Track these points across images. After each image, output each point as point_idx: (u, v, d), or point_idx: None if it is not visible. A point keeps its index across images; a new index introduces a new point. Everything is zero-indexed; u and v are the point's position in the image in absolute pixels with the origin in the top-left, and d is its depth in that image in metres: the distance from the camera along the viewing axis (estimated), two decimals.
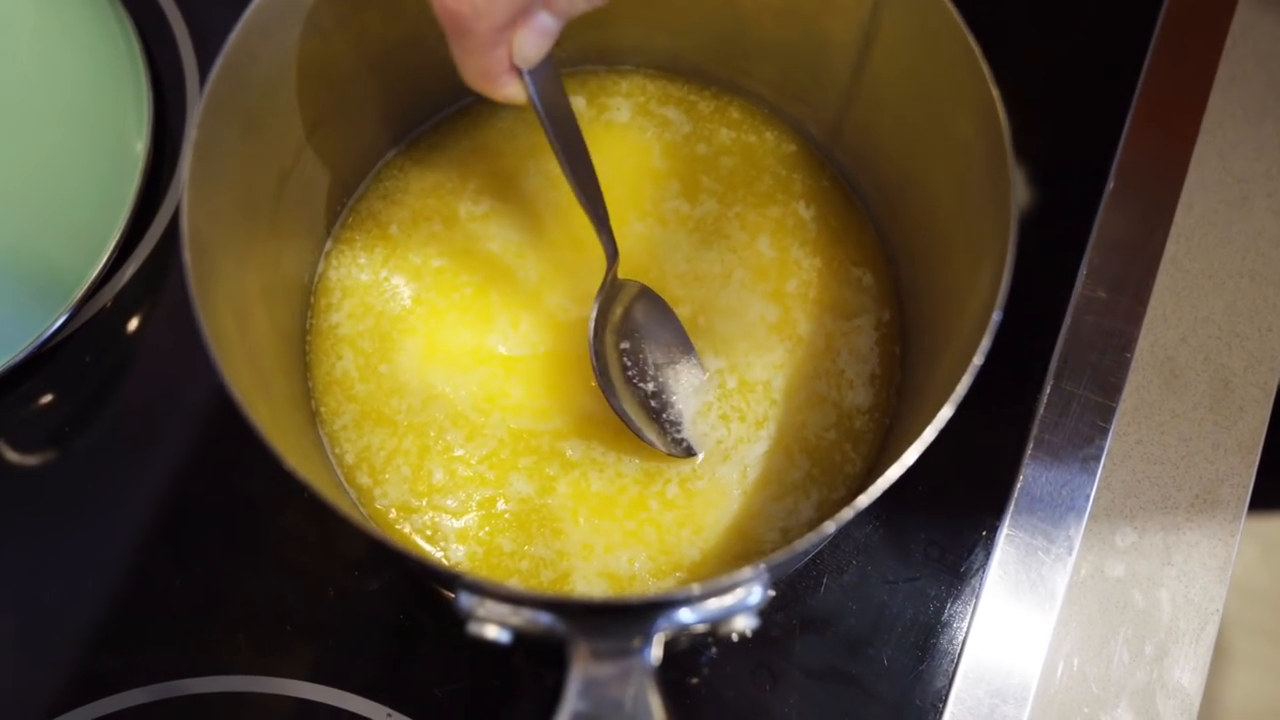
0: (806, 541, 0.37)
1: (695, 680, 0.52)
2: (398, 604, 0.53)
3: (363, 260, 0.54)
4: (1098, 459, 0.55)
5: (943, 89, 0.44)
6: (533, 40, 0.42)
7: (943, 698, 0.52)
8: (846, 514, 0.37)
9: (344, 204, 0.54)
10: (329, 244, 0.54)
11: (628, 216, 0.55)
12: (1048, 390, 0.55)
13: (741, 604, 0.39)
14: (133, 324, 0.57)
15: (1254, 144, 0.61)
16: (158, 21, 0.61)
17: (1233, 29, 0.62)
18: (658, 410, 0.51)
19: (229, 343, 0.40)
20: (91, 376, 0.56)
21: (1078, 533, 0.54)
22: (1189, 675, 0.53)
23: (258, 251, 0.46)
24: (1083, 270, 0.57)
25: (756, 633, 0.53)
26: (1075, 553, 0.53)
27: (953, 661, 0.52)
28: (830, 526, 0.37)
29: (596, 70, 0.57)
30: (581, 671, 0.36)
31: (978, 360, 0.38)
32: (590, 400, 0.52)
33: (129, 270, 0.57)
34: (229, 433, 0.55)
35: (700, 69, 0.56)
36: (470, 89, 0.44)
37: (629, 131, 0.56)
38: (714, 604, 0.38)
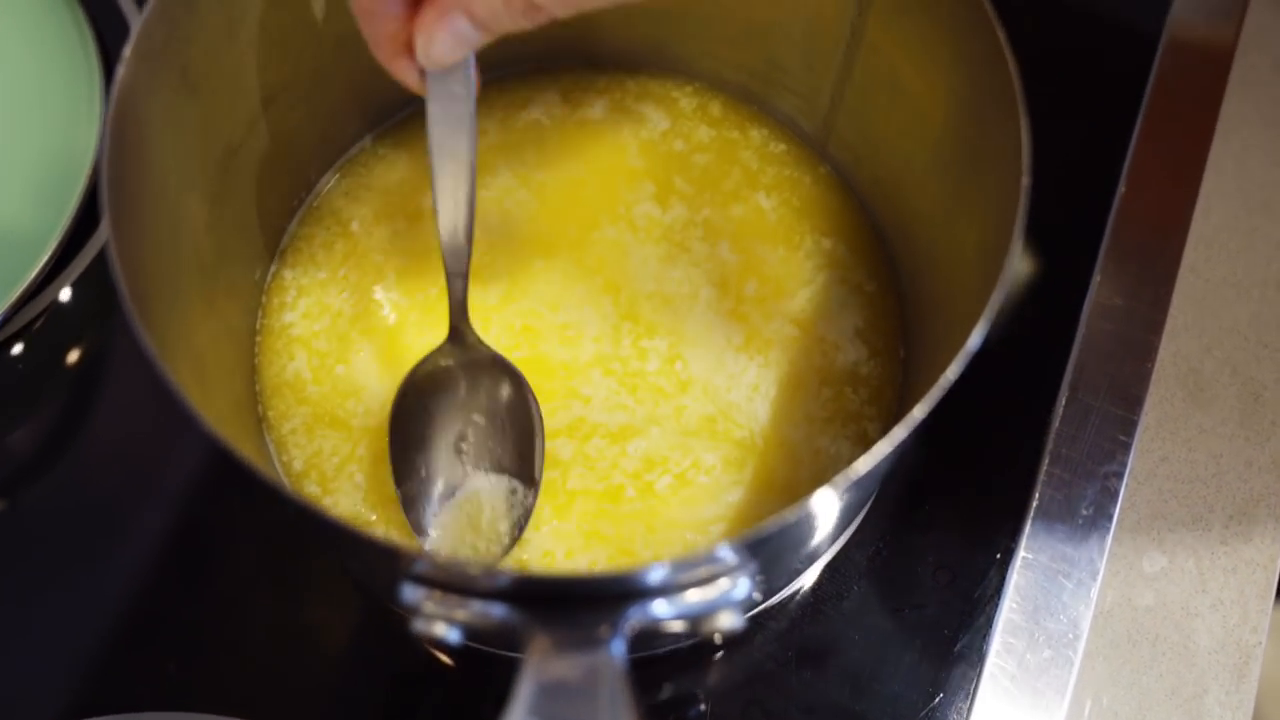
0: (795, 511, 0.32)
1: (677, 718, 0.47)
2: (345, 633, 0.48)
3: (321, 257, 0.50)
4: (1120, 476, 0.50)
5: (943, 45, 0.40)
6: (443, 41, 0.37)
7: None
8: (858, 466, 0.32)
9: (302, 199, 0.51)
10: (285, 240, 0.50)
11: (599, 220, 0.51)
12: (1062, 402, 0.51)
13: (724, 598, 0.34)
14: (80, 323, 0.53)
15: (1273, 150, 0.57)
16: (112, 18, 0.58)
17: (1244, 34, 0.59)
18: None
19: (164, 331, 0.36)
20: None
21: (1101, 556, 0.49)
22: (1232, 717, 0.47)
23: (200, 230, 0.42)
24: (1096, 277, 0.53)
25: (748, 666, 0.47)
26: (1100, 579, 0.48)
27: (967, 698, 0.47)
28: (837, 485, 0.32)
29: (572, 65, 0.54)
30: (537, 664, 0.31)
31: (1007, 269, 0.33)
32: (575, 403, 0.47)
33: (78, 268, 0.53)
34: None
35: (683, 62, 0.53)
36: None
37: (603, 129, 0.53)
38: (694, 596, 0.33)
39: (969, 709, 0.46)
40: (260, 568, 0.49)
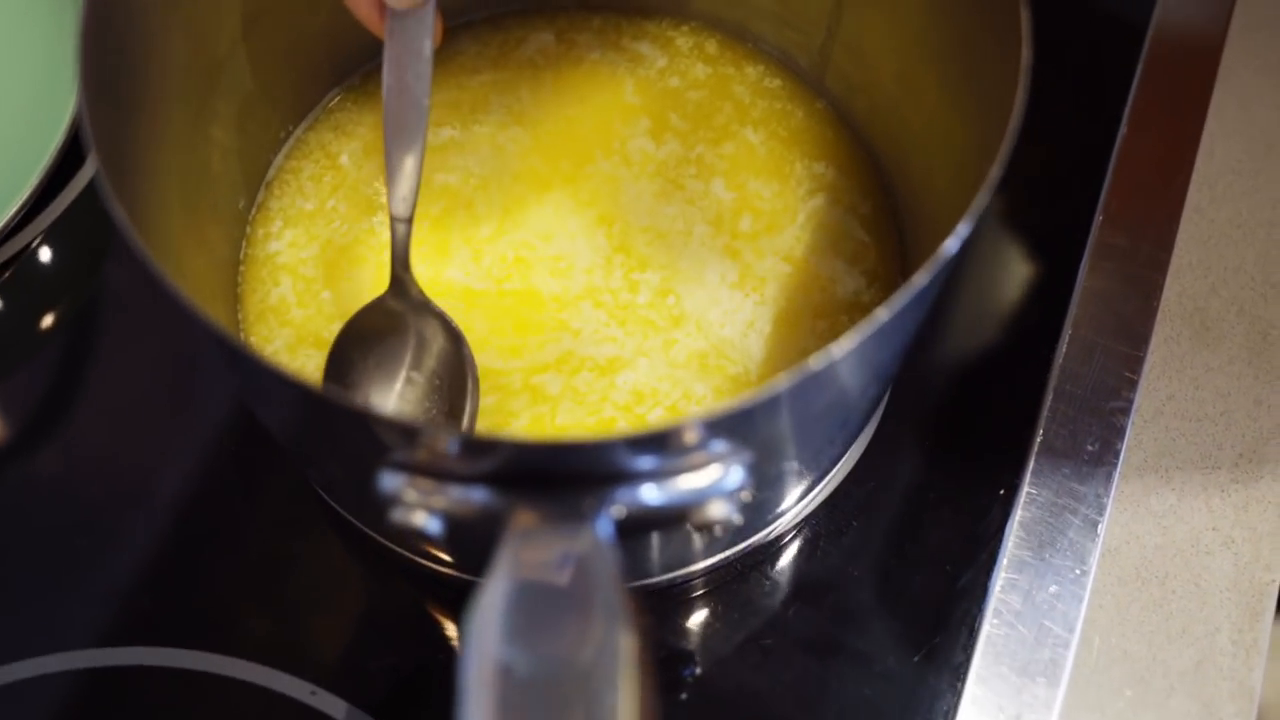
0: (786, 379, 0.30)
1: (670, 656, 0.45)
2: (326, 564, 0.47)
3: (309, 189, 0.49)
4: (1126, 413, 0.49)
5: None
6: None
7: (960, 675, 0.44)
8: (892, 303, 0.31)
9: (290, 132, 0.50)
10: (271, 173, 0.49)
11: (593, 154, 0.50)
12: (1066, 339, 0.50)
13: (716, 486, 0.32)
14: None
15: (1276, 94, 0.56)
16: None
17: None
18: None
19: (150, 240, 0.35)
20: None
21: (1108, 493, 0.47)
22: (1245, 656, 0.46)
23: (183, 146, 0.41)
24: (1098, 216, 0.52)
25: (742, 601, 0.46)
26: (1107, 515, 0.47)
27: (971, 634, 0.45)
28: (850, 337, 0.31)
29: (566, 6, 0.53)
30: (519, 534, 0.30)
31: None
32: (565, 336, 0.46)
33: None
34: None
35: (679, 1, 0.52)
36: None
37: (599, 66, 0.52)
38: (684, 482, 0.32)
39: (972, 645, 0.45)
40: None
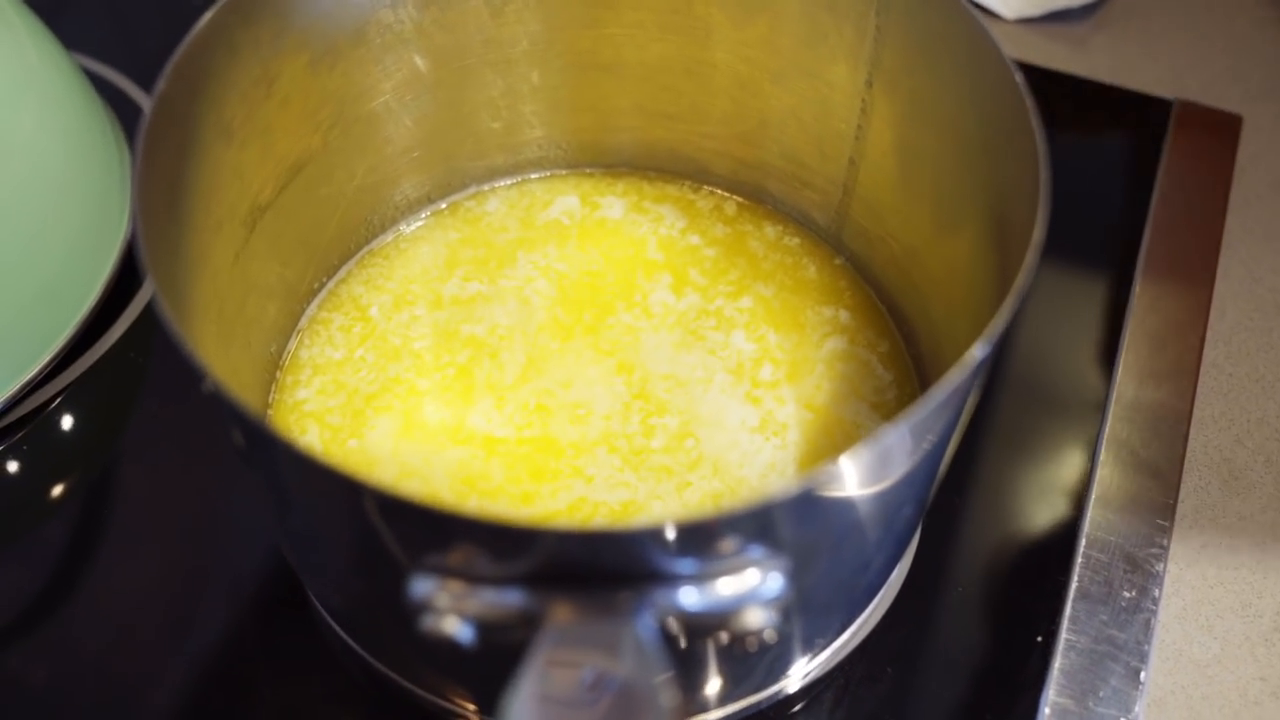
0: (821, 473, 0.30)
1: None
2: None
3: (339, 339, 0.50)
4: (1161, 560, 0.48)
5: (949, 92, 0.42)
6: None
7: None
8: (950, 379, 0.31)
9: (324, 283, 0.51)
10: (303, 322, 0.50)
11: (615, 306, 0.51)
12: (1095, 482, 0.49)
13: (754, 593, 0.32)
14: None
15: (1279, 260, 0.58)
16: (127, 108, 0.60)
17: (1240, 158, 0.61)
18: None
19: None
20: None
21: (1148, 640, 0.46)
22: None
23: (223, 281, 0.43)
24: (1118, 369, 0.53)
25: None
26: (1150, 663, 0.45)
27: None
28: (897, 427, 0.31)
29: (592, 172, 0.55)
30: (560, 624, 0.29)
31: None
32: (578, 482, 0.46)
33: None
34: None
35: (698, 164, 0.54)
36: None
37: (622, 226, 0.54)
38: (722, 587, 0.31)
39: None
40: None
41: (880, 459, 0.32)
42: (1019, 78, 0.37)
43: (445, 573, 0.31)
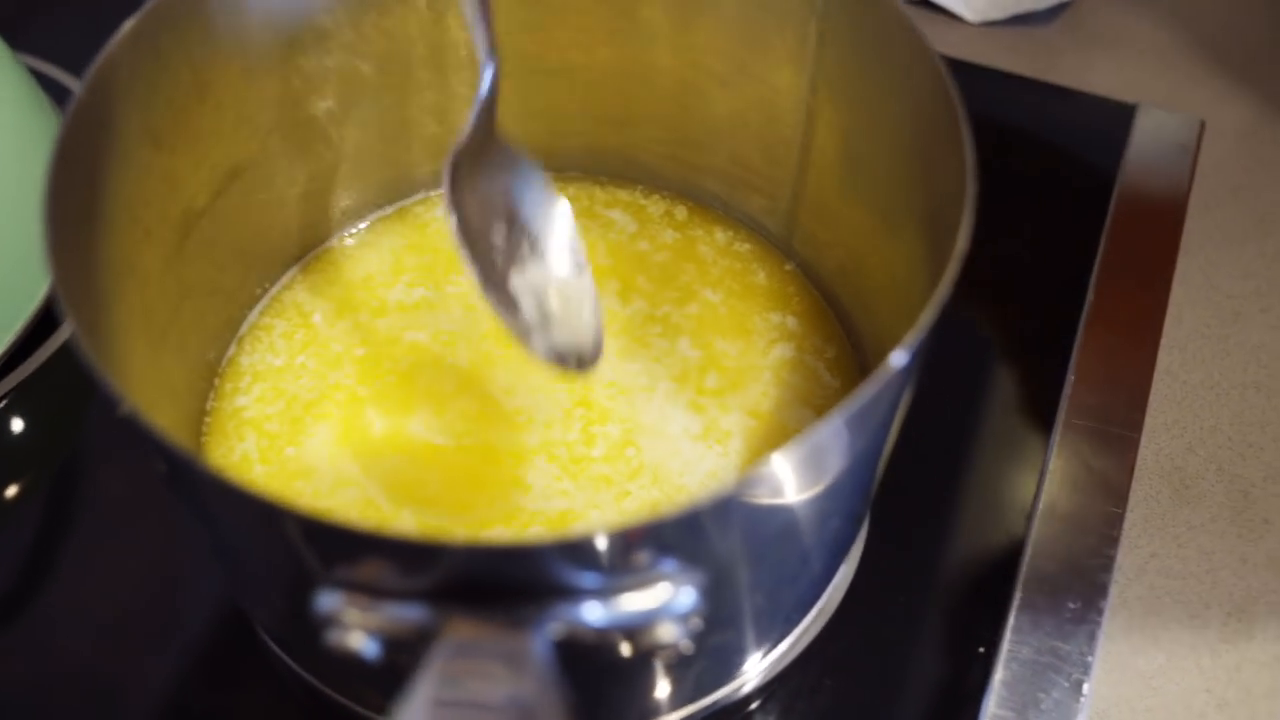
0: (729, 489, 0.30)
1: None
2: None
3: (280, 346, 0.49)
4: (1108, 570, 0.47)
5: (889, 98, 0.41)
6: None
7: None
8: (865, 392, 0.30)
9: (265, 289, 0.51)
10: (244, 329, 0.50)
11: None
12: (1042, 493, 0.49)
13: (665, 608, 0.31)
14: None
15: (1238, 265, 0.58)
16: None
17: (1201, 163, 0.61)
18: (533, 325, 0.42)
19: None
20: None
21: (1092, 651, 0.45)
22: None
23: (153, 291, 0.42)
24: (1070, 375, 0.52)
25: None
26: (1093, 675, 0.45)
27: None
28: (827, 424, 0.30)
29: None
30: (451, 642, 0.28)
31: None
32: (514, 492, 0.46)
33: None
34: None
35: (650, 171, 0.54)
36: None
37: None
38: (630, 602, 0.31)
39: None
40: None
41: (798, 473, 0.31)
42: (952, 84, 0.37)
43: (349, 587, 0.31)
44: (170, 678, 0.46)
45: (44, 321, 0.54)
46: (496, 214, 0.42)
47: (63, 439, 0.53)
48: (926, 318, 0.32)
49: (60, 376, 0.54)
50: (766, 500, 0.32)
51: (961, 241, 0.34)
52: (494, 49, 0.41)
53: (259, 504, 0.30)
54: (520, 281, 0.42)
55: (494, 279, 0.41)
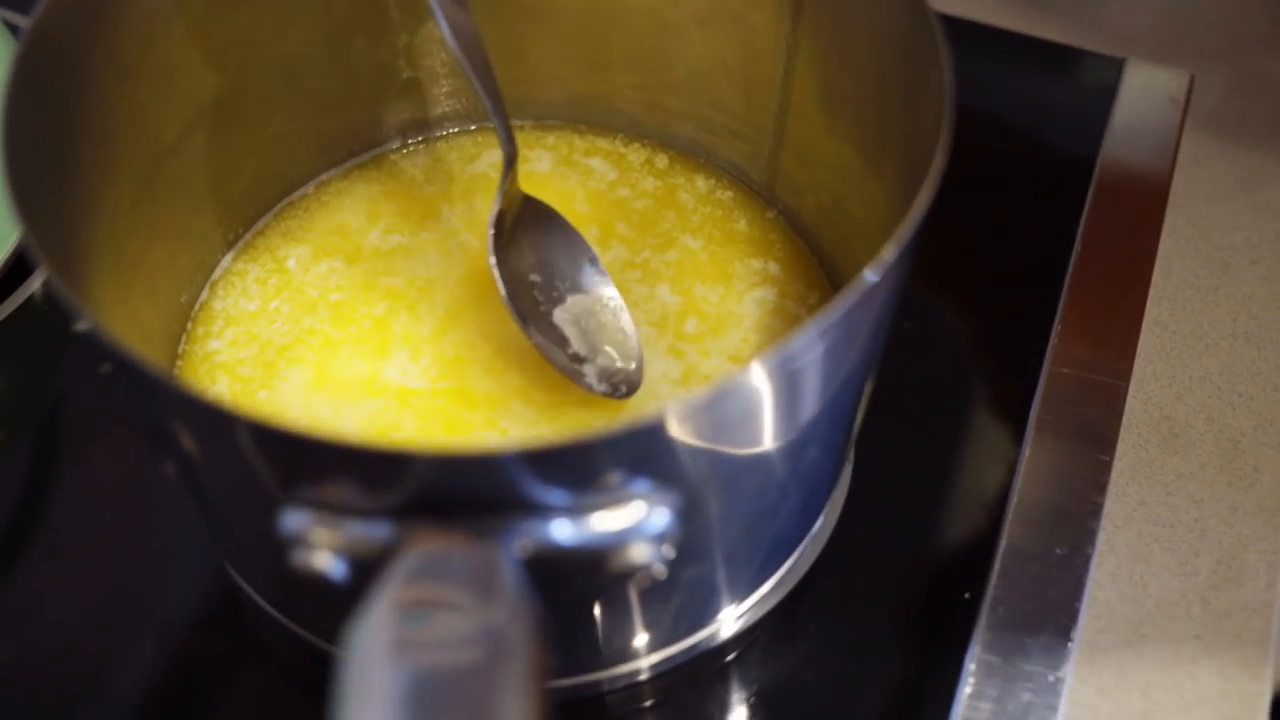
0: (708, 392, 0.29)
1: None
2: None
3: (254, 290, 0.49)
4: (1095, 516, 0.46)
5: (870, 30, 0.41)
6: None
7: None
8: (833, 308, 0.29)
9: (239, 234, 0.50)
10: (217, 273, 0.49)
11: None
12: (1029, 441, 0.48)
13: (637, 528, 0.30)
14: None
15: (1227, 218, 0.57)
16: None
17: (1190, 117, 0.60)
18: (583, 356, 0.45)
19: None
20: None
21: (1080, 598, 0.44)
22: None
23: (122, 227, 0.41)
24: (1057, 325, 0.51)
25: (691, 712, 0.43)
26: (1080, 621, 0.44)
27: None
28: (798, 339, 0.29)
29: (522, 125, 0.54)
30: (416, 555, 0.27)
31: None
32: (491, 435, 0.45)
33: None
34: None
35: (630, 117, 0.53)
36: None
37: (550, 179, 0.52)
38: (601, 521, 0.30)
39: None
40: None
41: (768, 393, 0.31)
42: (931, 10, 0.36)
43: (313, 505, 0.30)
44: (155, 650, 0.45)
45: (9, 277, 0.53)
46: (532, 262, 0.47)
47: (37, 397, 0.52)
48: (903, 231, 0.32)
49: (31, 332, 0.53)
50: (739, 415, 0.31)
51: (939, 160, 0.33)
52: (512, 138, 0.46)
53: (218, 414, 0.30)
54: (563, 315, 0.46)
55: (539, 322, 0.45)
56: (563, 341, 0.45)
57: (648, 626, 0.40)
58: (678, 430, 0.29)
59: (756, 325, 0.48)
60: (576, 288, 0.47)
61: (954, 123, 0.34)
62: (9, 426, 0.51)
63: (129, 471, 0.49)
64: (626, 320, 0.46)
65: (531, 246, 0.47)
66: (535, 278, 0.46)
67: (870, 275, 0.31)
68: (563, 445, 0.28)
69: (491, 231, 0.45)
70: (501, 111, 0.45)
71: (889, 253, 0.31)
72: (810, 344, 0.30)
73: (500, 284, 0.45)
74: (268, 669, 0.45)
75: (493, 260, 0.45)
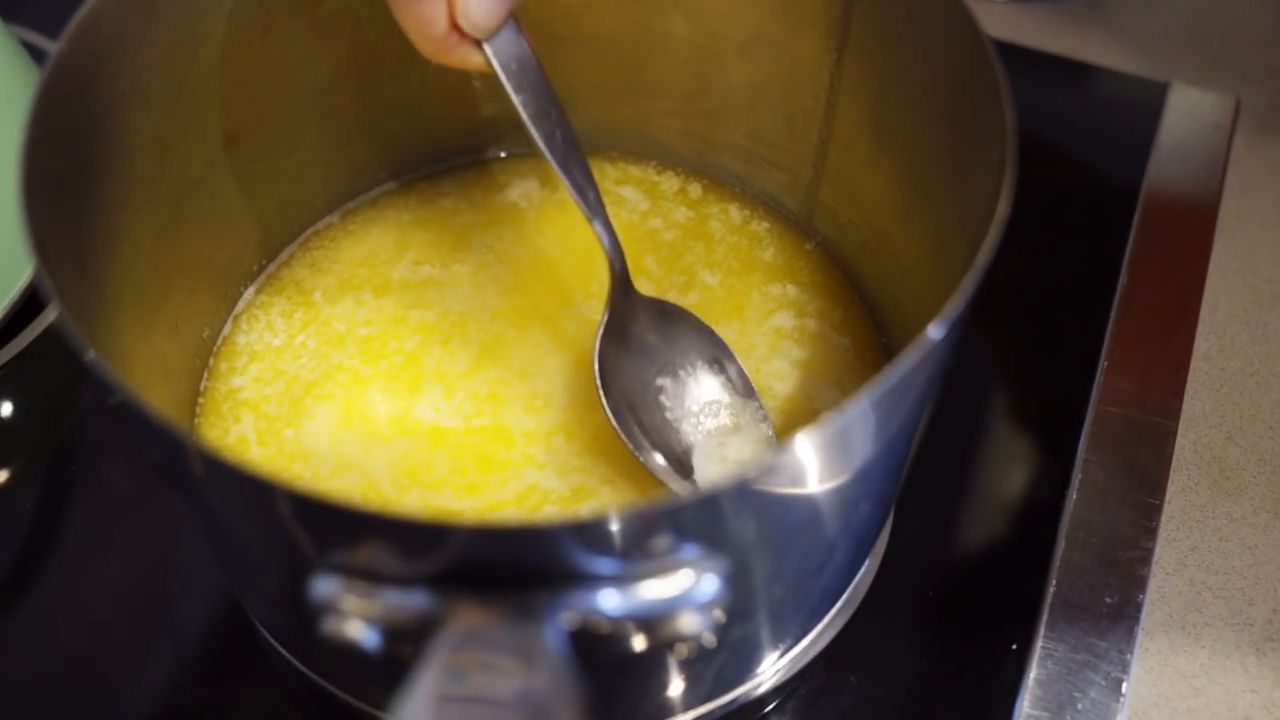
0: (758, 466, 0.27)
1: None
2: None
3: (279, 325, 0.47)
4: (1146, 563, 0.45)
5: (922, 63, 0.39)
6: (480, 4, 0.36)
7: None
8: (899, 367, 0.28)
9: (263, 266, 0.48)
10: (240, 306, 0.48)
11: (574, 297, 0.48)
12: (1076, 484, 0.47)
13: (685, 597, 0.29)
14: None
15: (1277, 248, 0.55)
16: None
17: (1236, 144, 0.58)
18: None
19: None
20: None
21: (1130, 649, 0.43)
22: None
23: (142, 263, 0.40)
24: (1103, 362, 0.50)
25: None
26: (1131, 673, 0.42)
27: None
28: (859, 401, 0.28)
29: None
30: (456, 631, 0.26)
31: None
32: (529, 470, 0.43)
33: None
34: None
35: (664, 146, 0.52)
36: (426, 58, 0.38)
37: (580, 209, 0.51)
38: (649, 590, 0.29)
39: None
40: None
41: (823, 455, 0.29)
42: (989, 43, 0.35)
43: (347, 572, 0.29)
44: (168, 673, 0.44)
45: (31, 303, 0.52)
46: (652, 381, 0.44)
47: (54, 424, 0.51)
48: (968, 284, 0.30)
49: (50, 359, 0.52)
50: (790, 485, 0.29)
51: (1003, 207, 0.32)
52: (618, 245, 0.43)
53: (252, 482, 0.28)
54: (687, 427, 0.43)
55: (660, 445, 0.43)
56: (687, 470, 0.43)
57: (688, 685, 0.39)
58: (734, 500, 0.28)
59: (790, 358, 0.46)
60: (707, 388, 0.44)
61: (1018, 165, 0.33)
62: (28, 451, 0.50)
63: (144, 496, 0.48)
64: (765, 423, 0.43)
65: (652, 364, 0.44)
66: (663, 381, 0.44)
67: (934, 332, 0.29)
68: (613, 516, 0.26)
69: (596, 359, 0.43)
70: (598, 206, 0.43)
71: (952, 308, 0.29)
72: (864, 413, 0.28)
73: (614, 422, 0.42)
74: (284, 705, 0.44)
75: (601, 395, 0.42)
